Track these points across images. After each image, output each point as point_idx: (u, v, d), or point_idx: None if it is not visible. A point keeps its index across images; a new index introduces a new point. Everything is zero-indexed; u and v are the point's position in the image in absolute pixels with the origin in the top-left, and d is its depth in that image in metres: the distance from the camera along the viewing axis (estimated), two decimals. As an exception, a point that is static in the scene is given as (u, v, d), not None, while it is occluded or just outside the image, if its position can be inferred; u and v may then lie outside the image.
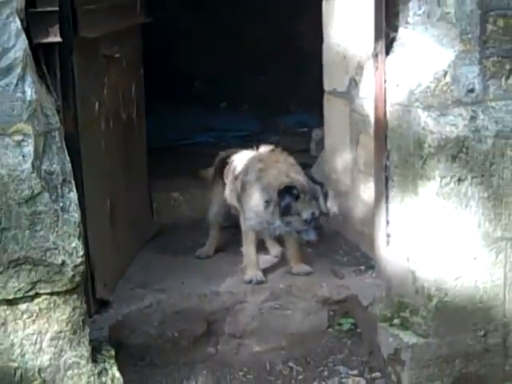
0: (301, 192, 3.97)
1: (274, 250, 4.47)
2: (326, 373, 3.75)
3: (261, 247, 4.36)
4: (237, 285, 4.13)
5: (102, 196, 3.95)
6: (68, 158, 3.12)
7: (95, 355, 3.19)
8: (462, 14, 3.51)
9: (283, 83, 7.32)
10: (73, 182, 3.09)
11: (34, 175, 2.96)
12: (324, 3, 4.73)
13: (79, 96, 3.57)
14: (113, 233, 4.09)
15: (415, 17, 3.68)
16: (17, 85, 3.00)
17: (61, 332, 3.04)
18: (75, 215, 3.03)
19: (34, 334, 3.01)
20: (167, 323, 3.83)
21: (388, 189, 3.82)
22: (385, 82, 3.79)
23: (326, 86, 4.81)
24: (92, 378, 3.12)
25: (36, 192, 2.96)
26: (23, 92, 3.01)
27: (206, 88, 7.75)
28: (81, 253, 3.02)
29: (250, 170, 4.18)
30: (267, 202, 4.05)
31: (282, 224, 4.06)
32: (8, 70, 2.99)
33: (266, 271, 4.26)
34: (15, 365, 3.01)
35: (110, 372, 3.20)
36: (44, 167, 3.02)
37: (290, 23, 7.31)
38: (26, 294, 2.98)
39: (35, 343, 3.02)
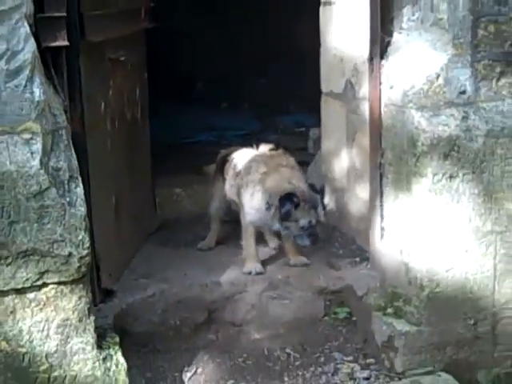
0: (301, 200, 3.99)
1: (273, 242, 4.48)
2: (322, 359, 3.75)
3: (260, 240, 4.35)
4: (237, 275, 4.14)
5: (107, 191, 3.96)
6: (74, 156, 3.12)
7: (100, 342, 3.19)
8: (454, 19, 3.51)
9: (282, 84, 7.33)
10: (79, 177, 3.09)
11: (41, 171, 2.96)
12: (321, 8, 4.73)
13: (86, 97, 3.58)
14: (117, 226, 4.10)
15: (409, 22, 3.68)
16: (26, 86, 3.01)
17: (67, 320, 3.04)
18: (81, 209, 3.03)
19: (41, 321, 3.02)
20: (170, 312, 3.83)
21: (382, 185, 3.82)
22: (380, 83, 3.79)
23: (324, 88, 4.81)
24: (97, 364, 3.13)
25: (44, 187, 2.96)
26: (32, 92, 3.01)
27: (207, 89, 7.76)
28: (87, 245, 3.02)
29: (252, 171, 4.17)
30: (268, 205, 4.05)
31: (280, 227, 4.09)
32: (17, 71, 3.00)
33: (264, 263, 4.27)
34: (24, 350, 3.01)
35: (114, 358, 3.20)
36: (51, 164, 3.02)
37: (289, 26, 7.31)
38: (34, 284, 2.98)
39: (43, 330, 3.02)
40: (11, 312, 2.98)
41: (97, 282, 3.67)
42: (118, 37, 4.03)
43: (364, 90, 4.12)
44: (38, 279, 2.97)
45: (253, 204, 4.14)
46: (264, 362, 3.73)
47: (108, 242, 3.85)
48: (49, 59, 3.19)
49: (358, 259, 4.28)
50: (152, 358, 3.68)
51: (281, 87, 7.30)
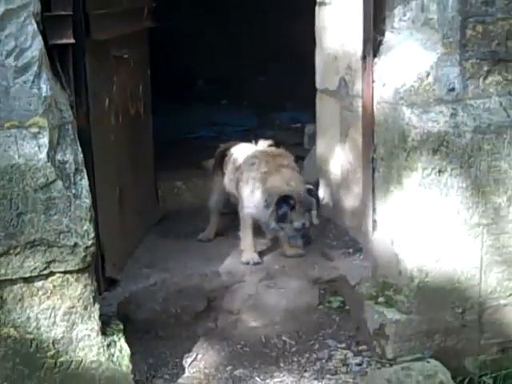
0: (297, 203, 4.00)
1: (269, 234, 4.47)
2: (316, 346, 3.75)
3: (257, 232, 4.34)
4: (235, 266, 4.16)
5: (111, 184, 3.96)
6: (80, 149, 3.12)
7: (105, 328, 3.19)
8: (443, 19, 3.49)
9: (279, 83, 7.32)
10: (84, 170, 3.09)
11: (48, 164, 2.95)
12: (317, 9, 4.72)
13: (91, 93, 3.58)
14: (121, 217, 4.10)
15: (401, 22, 3.67)
16: (33, 82, 3.00)
17: (73, 307, 3.05)
18: (86, 201, 3.03)
19: (48, 309, 3.02)
20: (171, 300, 3.83)
21: (374, 179, 3.81)
22: (372, 81, 3.77)
23: (319, 85, 4.80)
24: (102, 349, 3.13)
25: (50, 180, 2.96)
26: (39, 88, 3.01)
27: (208, 87, 7.75)
28: (92, 235, 3.02)
29: (254, 168, 4.17)
30: (267, 203, 4.06)
31: (276, 227, 4.11)
32: (25, 68, 2.99)
33: (261, 253, 4.28)
34: (31, 337, 3.01)
35: (118, 344, 3.20)
36: (58, 157, 3.02)
37: (288, 27, 7.29)
38: (41, 273, 2.98)
39: (49, 317, 3.02)
40: (19, 300, 2.98)
41: (101, 272, 3.68)
42: (121, 35, 4.03)
43: (357, 87, 4.11)
44: (45, 268, 2.97)
45: (252, 200, 4.15)
46: (261, 349, 3.73)
47: (112, 232, 3.86)
48: (55, 56, 3.19)
49: (351, 250, 4.28)
50: (154, 344, 3.68)
51: (278, 85, 7.29)
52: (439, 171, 3.47)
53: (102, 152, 3.72)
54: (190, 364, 3.60)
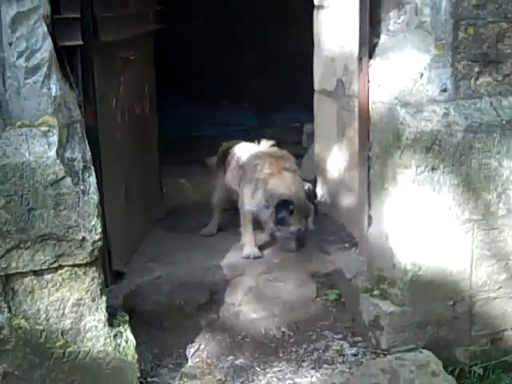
0: (296, 208, 3.99)
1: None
2: (314, 337, 3.75)
3: (257, 227, 4.33)
4: (236, 260, 4.14)
5: (118, 180, 3.94)
6: (88, 147, 3.11)
7: (111, 320, 3.18)
8: (436, 22, 3.49)
9: (279, 83, 7.30)
10: (92, 167, 3.08)
11: (58, 162, 2.95)
12: (315, 12, 4.71)
13: (98, 93, 3.56)
14: (127, 213, 4.09)
15: (395, 25, 3.66)
16: (43, 82, 2.99)
17: (81, 299, 3.04)
18: (94, 197, 3.02)
19: (57, 300, 3.01)
20: (175, 292, 3.83)
21: (370, 176, 3.81)
22: (368, 82, 3.77)
23: (316, 86, 4.79)
24: (108, 340, 3.12)
25: (60, 176, 2.95)
26: (49, 88, 3.00)
27: (210, 88, 7.72)
28: (99, 230, 3.02)
29: (258, 169, 4.15)
30: (267, 204, 4.06)
31: (274, 228, 4.12)
32: (35, 69, 2.98)
33: (261, 248, 4.27)
34: (41, 327, 3.01)
35: (124, 334, 3.20)
36: (67, 155, 3.02)
37: (286, 29, 7.27)
38: (51, 266, 2.97)
39: (58, 309, 3.02)
40: (30, 292, 2.98)
41: (108, 265, 3.67)
42: (128, 37, 4.01)
43: (353, 88, 4.10)
44: (54, 262, 2.97)
45: (253, 199, 4.15)
46: (261, 340, 3.73)
47: (118, 228, 3.85)
48: (64, 57, 3.18)
49: (347, 245, 4.26)
50: (159, 335, 3.68)
51: (278, 86, 7.28)
52: (432, 169, 3.48)
53: (109, 150, 3.71)
54: (193, 354, 3.60)
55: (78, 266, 3.01)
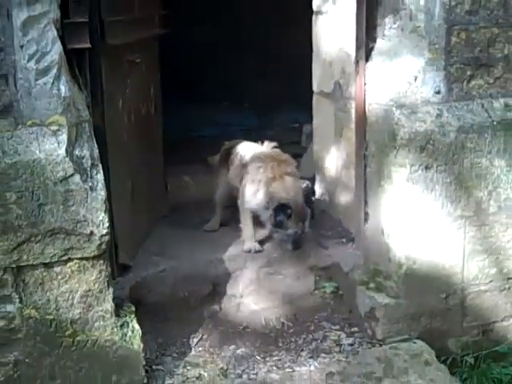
0: (293, 212, 3.99)
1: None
2: (312, 327, 3.75)
3: (256, 222, 4.32)
4: (238, 253, 4.14)
5: (124, 178, 3.94)
6: (96, 146, 3.11)
7: (118, 310, 3.19)
8: (430, 27, 3.49)
9: (279, 85, 7.30)
10: (100, 165, 3.08)
11: (67, 159, 2.95)
12: (314, 18, 4.71)
13: (106, 94, 3.56)
14: (133, 209, 4.08)
15: (391, 30, 3.67)
16: (53, 83, 3.00)
17: (89, 291, 3.05)
18: (102, 193, 3.03)
19: (66, 292, 3.02)
20: (179, 285, 3.84)
21: (366, 174, 3.82)
22: (365, 84, 3.77)
23: (315, 88, 4.79)
24: (115, 329, 3.13)
25: (69, 173, 2.96)
26: (58, 89, 3.01)
27: (212, 89, 7.73)
28: (106, 225, 3.02)
29: (260, 172, 4.14)
30: (267, 206, 4.07)
31: (272, 229, 4.12)
32: (46, 70, 2.99)
33: (261, 242, 4.25)
34: (51, 317, 3.02)
35: (130, 324, 3.21)
36: (76, 153, 3.02)
37: (286, 33, 7.27)
38: (60, 259, 2.98)
39: (68, 300, 3.03)
40: (40, 283, 2.99)
41: (115, 258, 3.67)
42: (134, 41, 4.01)
43: (351, 90, 4.11)
44: (63, 255, 2.98)
45: (254, 199, 4.15)
46: (261, 330, 3.74)
47: (125, 223, 3.85)
48: (73, 60, 3.18)
49: (344, 240, 4.27)
50: (163, 325, 3.68)
51: (278, 88, 7.27)
52: (426, 167, 3.48)
53: (116, 148, 3.71)
54: (196, 343, 3.60)
55: (87, 259, 3.02)
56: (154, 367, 3.39)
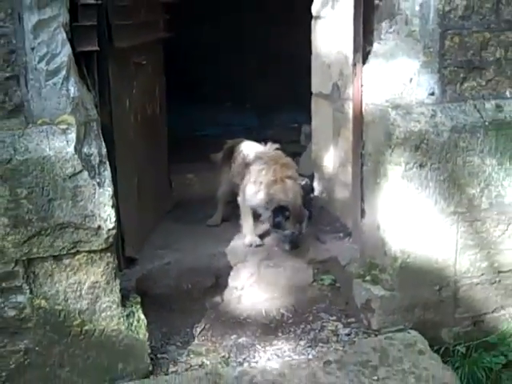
0: (292, 214, 4.00)
1: None
2: (310, 318, 3.76)
3: (257, 218, 4.33)
4: (239, 247, 4.15)
5: (130, 175, 3.95)
6: (104, 144, 3.11)
7: (124, 301, 3.20)
8: (425, 32, 3.49)
9: (279, 87, 7.30)
10: (107, 162, 3.08)
11: (76, 157, 2.96)
12: (313, 22, 4.70)
13: (113, 94, 3.57)
14: (139, 205, 4.09)
15: (387, 34, 3.67)
16: (62, 84, 3.00)
17: (97, 282, 3.05)
18: (109, 189, 3.03)
19: (75, 283, 3.03)
20: (183, 277, 3.84)
21: (363, 172, 3.81)
22: (361, 86, 3.77)
23: (314, 89, 4.79)
24: (122, 319, 3.14)
25: (77, 170, 2.96)
26: (68, 90, 3.01)
27: (215, 90, 7.73)
28: (113, 219, 3.02)
29: (263, 174, 4.14)
30: (267, 205, 4.07)
31: (271, 229, 4.15)
32: (55, 72, 2.99)
33: (262, 236, 4.26)
34: (60, 307, 3.03)
35: (136, 315, 3.21)
36: (84, 150, 3.02)
37: (286, 37, 7.26)
38: (69, 252, 2.99)
39: (76, 291, 3.03)
40: (50, 275, 2.99)
41: (122, 252, 3.68)
42: (140, 44, 4.01)
43: (348, 91, 4.10)
44: (72, 248, 2.98)
45: (255, 198, 4.16)
46: (262, 321, 3.73)
47: (131, 218, 3.85)
48: (82, 62, 3.19)
49: (341, 234, 4.27)
50: (168, 315, 3.69)
51: (277, 89, 7.27)
52: (420, 165, 3.47)
53: (123, 146, 3.72)
54: (200, 333, 3.61)
55: (94, 251, 3.02)
56: (158, 355, 3.40)
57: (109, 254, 3.06)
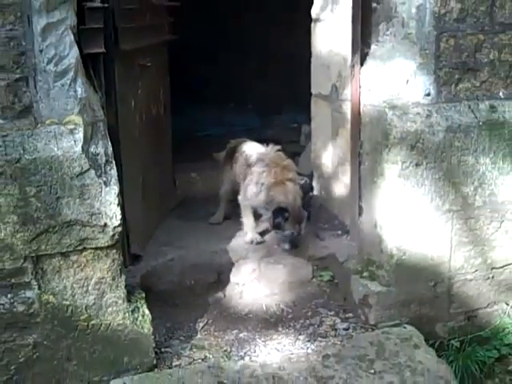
0: (291, 215, 4.01)
1: None
2: (309, 313, 3.75)
3: (257, 216, 4.33)
4: (241, 244, 4.16)
5: (136, 174, 3.95)
6: (110, 143, 3.11)
7: (129, 297, 3.20)
8: (421, 34, 3.48)
9: (279, 87, 7.29)
10: (113, 161, 3.08)
11: (83, 156, 2.95)
12: (312, 25, 4.70)
13: (119, 95, 3.57)
14: (144, 203, 4.09)
15: (384, 36, 3.66)
16: (70, 85, 3.00)
17: (103, 278, 3.05)
18: (115, 188, 3.03)
19: (82, 279, 3.03)
20: (186, 273, 3.84)
21: (361, 171, 3.81)
22: (359, 87, 3.77)
23: (313, 90, 4.79)
24: (127, 314, 3.13)
25: (84, 169, 2.96)
26: (75, 91, 3.01)
27: (218, 92, 7.73)
28: (119, 217, 3.02)
29: (264, 176, 4.14)
30: (267, 206, 4.07)
31: (271, 230, 4.15)
32: (63, 73, 2.98)
33: (262, 234, 4.27)
34: (67, 303, 3.03)
35: (141, 310, 3.21)
36: (91, 150, 3.02)
37: (286, 40, 7.25)
38: (76, 249, 2.98)
39: (83, 286, 3.03)
40: (57, 271, 2.99)
41: (127, 249, 3.69)
42: (145, 46, 4.01)
43: (346, 92, 4.11)
44: (79, 245, 2.98)
45: (255, 199, 4.16)
46: (262, 316, 3.73)
47: (136, 216, 3.86)
48: (89, 63, 3.18)
49: (340, 232, 4.28)
50: (171, 310, 3.69)
51: (278, 89, 7.27)
52: (416, 164, 3.47)
53: (129, 146, 3.72)
54: (202, 328, 3.61)
55: (101, 248, 3.02)
56: (162, 349, 3.40)
57: (114, 251, 3.05)
